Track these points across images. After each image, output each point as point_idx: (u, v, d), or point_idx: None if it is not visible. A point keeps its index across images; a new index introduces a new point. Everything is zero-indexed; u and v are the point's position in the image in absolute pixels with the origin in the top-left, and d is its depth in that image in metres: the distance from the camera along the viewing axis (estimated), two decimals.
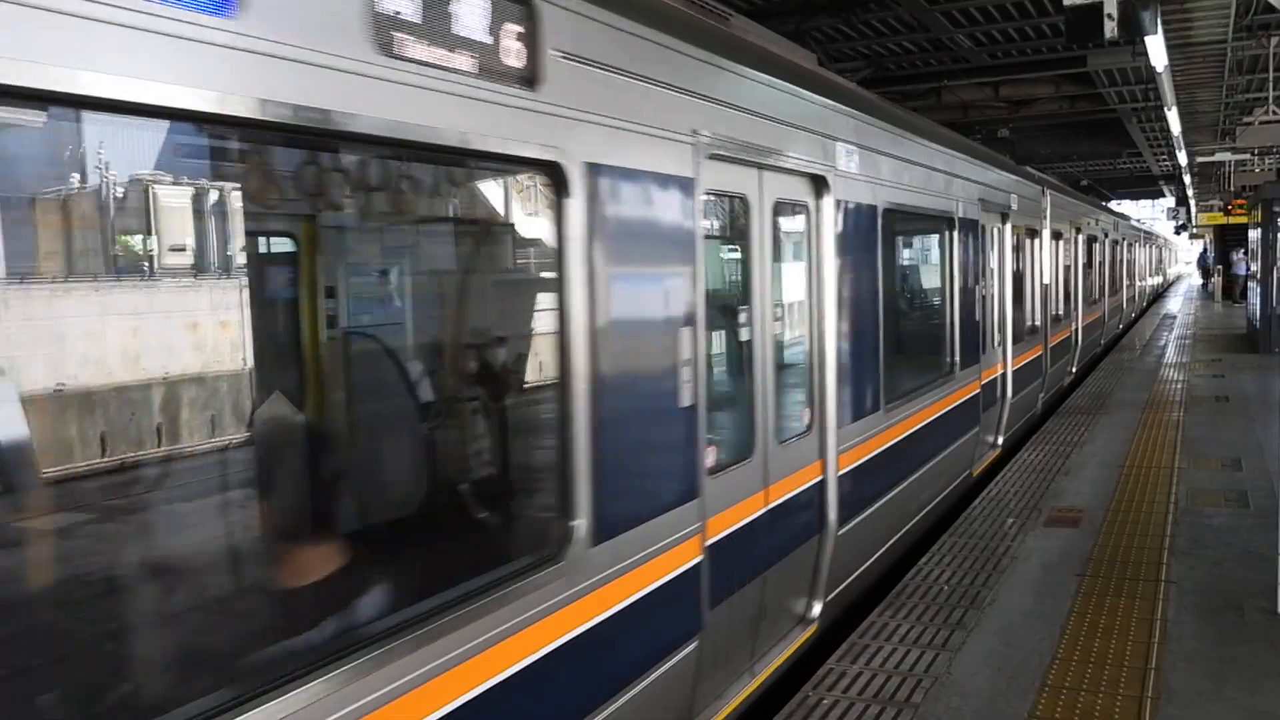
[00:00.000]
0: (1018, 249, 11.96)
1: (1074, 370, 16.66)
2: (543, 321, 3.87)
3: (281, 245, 4.22)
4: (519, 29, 3.30)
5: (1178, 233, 57.52)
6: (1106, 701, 4.80)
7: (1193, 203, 43.61)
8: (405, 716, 2.87)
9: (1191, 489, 8.76)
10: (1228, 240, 38.78)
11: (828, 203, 5.88)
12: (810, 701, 4.90)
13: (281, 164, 3.47)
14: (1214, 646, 5.42)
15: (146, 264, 8.43)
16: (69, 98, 2.13)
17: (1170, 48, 12.47)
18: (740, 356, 5.24)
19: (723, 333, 5.17)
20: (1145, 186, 47.48)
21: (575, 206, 3.59)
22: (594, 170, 3.68)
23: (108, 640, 3.31)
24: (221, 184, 6.21)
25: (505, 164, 3.62)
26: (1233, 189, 29.71)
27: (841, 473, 5.98)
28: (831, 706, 4.84)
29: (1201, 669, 5.14)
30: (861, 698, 4.92)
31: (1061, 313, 15.17)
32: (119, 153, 5.23)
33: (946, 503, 8.76)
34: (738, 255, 5.28)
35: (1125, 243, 27.37)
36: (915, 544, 7.76)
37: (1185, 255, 74.94)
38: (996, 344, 10.78)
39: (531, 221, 4.05)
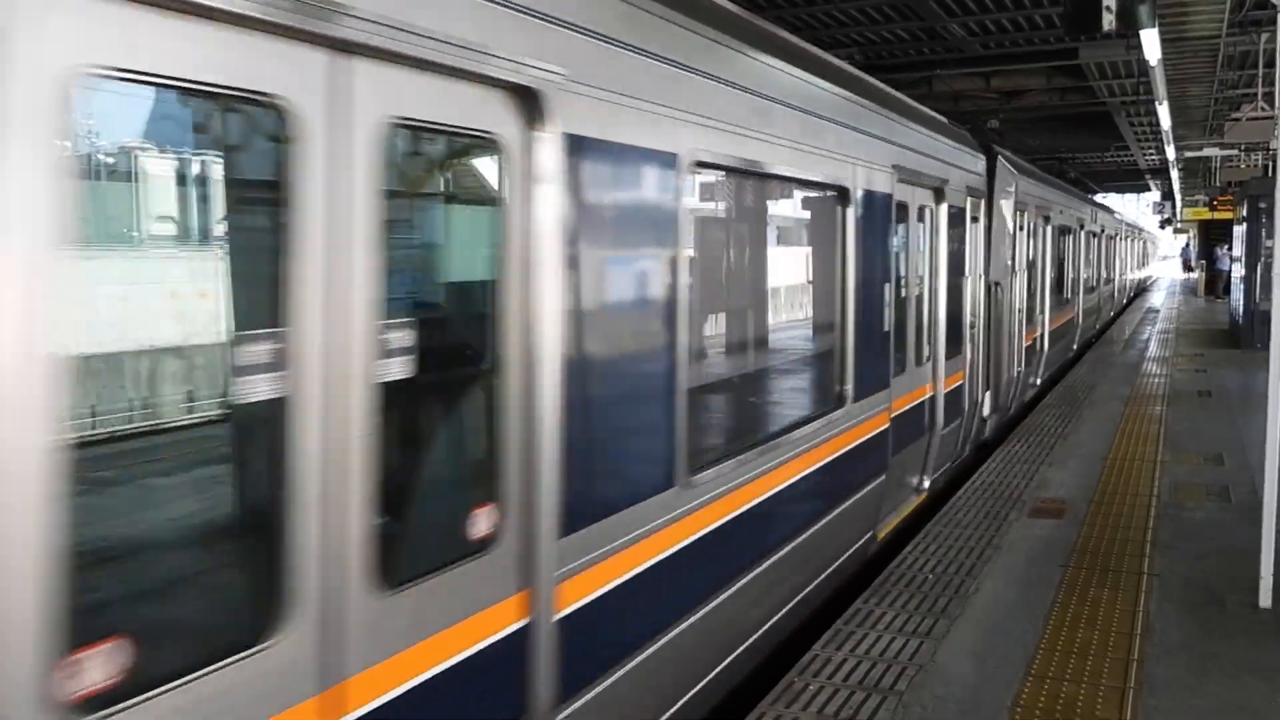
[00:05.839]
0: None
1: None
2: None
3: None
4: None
5: (1162, 227, 57.78)
6: (1089, 692, 4.83)
7: (1178, 198, 43.80)
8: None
9: (1174, 483, 8.82)
10: (1212, 236, 38.96)
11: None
12: (796, 687, 4.90)
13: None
14: (1196, 640, 5.46)
15: None
16: None
17: (1164, 42, 12.46)
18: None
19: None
20: (1132, 180, 47.66)
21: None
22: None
23: None
24: None
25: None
26: (1218, 184, 29.87)
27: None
28: (817, 692, 4.84)
29: (1183, 662, 5.18)
30: (846, 684, 4.93)
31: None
32: None
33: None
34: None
35: (1072, 233, 18.61)
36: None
37: (1164, 250, 74.01)
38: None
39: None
